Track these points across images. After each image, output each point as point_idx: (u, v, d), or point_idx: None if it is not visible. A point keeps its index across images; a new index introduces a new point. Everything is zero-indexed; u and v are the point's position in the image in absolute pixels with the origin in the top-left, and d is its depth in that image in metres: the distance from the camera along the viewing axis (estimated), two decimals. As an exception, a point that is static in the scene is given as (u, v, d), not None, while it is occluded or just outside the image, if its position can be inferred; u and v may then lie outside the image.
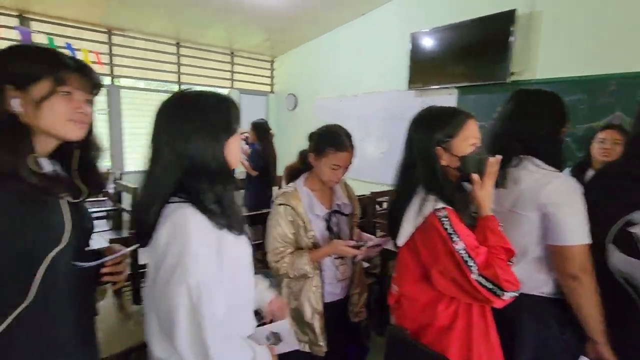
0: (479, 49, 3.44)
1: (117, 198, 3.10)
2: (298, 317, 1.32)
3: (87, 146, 0.88)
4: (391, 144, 4.47)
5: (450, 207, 0.94)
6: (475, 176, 0.98)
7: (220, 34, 5.13)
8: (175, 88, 5.38)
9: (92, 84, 0.83)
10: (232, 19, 4.60)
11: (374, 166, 4.65)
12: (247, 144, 3.85)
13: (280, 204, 1.29)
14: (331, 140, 1.27)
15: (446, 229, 0.91)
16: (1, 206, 0.70)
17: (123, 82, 4.95)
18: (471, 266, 0.88)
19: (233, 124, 0.84)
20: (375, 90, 4.62)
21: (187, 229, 0.73)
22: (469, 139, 0.98)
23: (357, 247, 1.23)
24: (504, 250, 0.93)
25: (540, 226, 1.07)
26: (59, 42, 3.91)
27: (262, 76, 6.38)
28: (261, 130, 3.29)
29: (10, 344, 0.72)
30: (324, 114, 5.35)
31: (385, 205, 3.56)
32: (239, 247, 0.83)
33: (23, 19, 4.04)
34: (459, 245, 0.89)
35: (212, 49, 5.56)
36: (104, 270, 0.87)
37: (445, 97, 3.85)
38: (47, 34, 3.54)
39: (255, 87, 6.28)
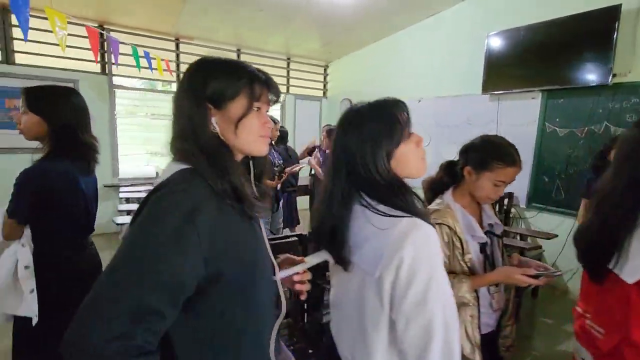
0: (572, 48, 3.16)
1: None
2: (451, 350, 1.18)
3: (257, 159, 0.84)
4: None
5: None
6: None
7: (279, 41, 5.14)
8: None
9: (276, 96, 0.78)
10: (292, 26, 4.59)
11: (440, 174, 4.43)
12: (319, 150, 3.78)
13: (435, 223, 1.16)
14: (499, 154, 1.13)
15: None
16: (238, 226, 0.69)
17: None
18: None
19: (396, 131, 0.79)
20: (442, 94, 4.41)
21: (432, 245, 0.72)
22: None
23: (536, 277, 1.07)
24: None
25: None
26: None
27: (316, 81, 6.35)
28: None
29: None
30: (382, 119, 5.21)
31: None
32: None
33: (103, 28, 4.25)
34: None
35: (270, 54, 5.60)
36: (296, 278, 0.85)
37: (527, 102, 3.59)
38: (130, 44, 3.67)
39: (309, 92, 6.25)
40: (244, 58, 5.39)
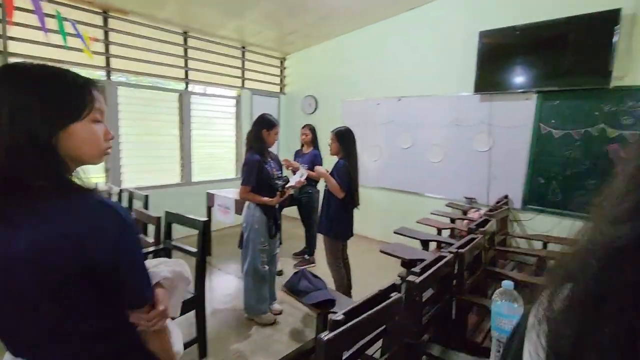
0: (570, 50, 3.13)
1: (166, 233, 2.23)
2: None
3: None
4: (447, 153, 4.04)
5: None
6: None
7: (233, 25, 4.33)
8: (181, 87, 4.46)
9: None
10: (256, 8, 3.87)
11: (425, 177, 4.21)
12: (298, 155, 3.16)
13: None
14: None
15: None
16: None
17: (120, 77, 3.95)
18: None
19: None
20: (428, 93, 4.17)
21: None
22: None
23: None
24: None
25: None
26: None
27: (273, 75, 5.64)
28: (348, 140, 2.63)
29: None
30: (354, 117, 4.79)
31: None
32: None
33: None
34: None
35: (223, 41, 4.72)
36: None
37: (521, 103, 3.51)
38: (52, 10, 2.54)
39: (265, 87, 5.52)
40: (191, 43, 4.43)
